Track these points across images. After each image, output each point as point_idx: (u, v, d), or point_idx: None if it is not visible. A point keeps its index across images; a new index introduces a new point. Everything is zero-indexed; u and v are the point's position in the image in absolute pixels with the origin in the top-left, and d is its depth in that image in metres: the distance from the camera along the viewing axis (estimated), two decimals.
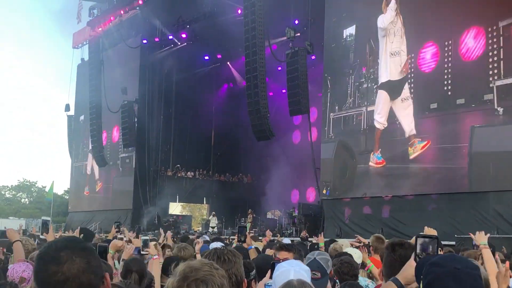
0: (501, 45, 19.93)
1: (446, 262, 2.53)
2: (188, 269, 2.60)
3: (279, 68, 32.30)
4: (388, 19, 24.60)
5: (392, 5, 24.42)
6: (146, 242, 6.34)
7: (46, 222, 7.98)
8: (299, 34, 28.45)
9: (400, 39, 23.91)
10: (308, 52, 26.86)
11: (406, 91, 23.17)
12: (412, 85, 22.97)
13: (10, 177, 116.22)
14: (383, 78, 24.43)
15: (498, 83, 19.78)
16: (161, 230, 13.23)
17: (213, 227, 32.11)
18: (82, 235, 8.04)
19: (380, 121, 24.13)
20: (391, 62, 24.09)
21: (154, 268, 5.65)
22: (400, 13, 24.01)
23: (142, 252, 6.43)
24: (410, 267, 2.77)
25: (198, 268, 2.61)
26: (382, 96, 24.29)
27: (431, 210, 21.02)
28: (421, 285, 2.54)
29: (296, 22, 30.30)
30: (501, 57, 19.84)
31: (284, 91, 29.54)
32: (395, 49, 24.01)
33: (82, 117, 43.57)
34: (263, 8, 25.60)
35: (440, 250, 2.81)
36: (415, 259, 2.77)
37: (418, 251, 2.77)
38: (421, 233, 2.80)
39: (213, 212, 33.88)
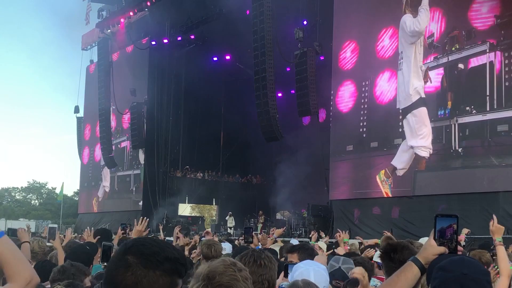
0: None
1: (453, 266, 2.51)
2: (212, 274, 2.53)
3: (288, 69, 32.30)
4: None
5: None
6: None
7: (53, 229, 8.00)
8: (306, 35, 28.39)
9: None
10: (316, 53, 26.83)
11: None
12: None
13: (20, 178, 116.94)
14: None
15: None
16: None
17: (230, 227, 32.09)
18: (98, 237, 7.98)
19: None
20: None
21: None
22: None
23: None
24: (430, 246, 2.71)
25: (221, 272, 2.54)
26: None
27: (441, 211, 20.95)
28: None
29: (305, 22, 30.26)
30: None
31: (293, 91, 29.53)
32: None
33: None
34: (272, 9, 25.61)
35: (458, 236, 2.74)
36: (434, 239, 2.72)
37: (436, 236, 2.72)
38: (440, 213, 2.73)
39: (230, 212, 33.76)
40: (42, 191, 75.96)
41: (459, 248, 2.71)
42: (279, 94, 32.04)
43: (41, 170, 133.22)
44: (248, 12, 29.57)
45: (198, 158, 38.78)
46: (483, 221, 18.76)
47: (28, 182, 76.00)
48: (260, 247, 7.68)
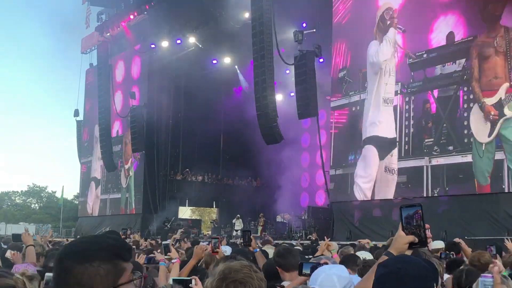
0: None
1: (391, 262, 2.57)
2: (228, 270, 2.66)
3: (287, 71, 32.29)
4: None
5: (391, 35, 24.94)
6: (168, 247, 6.50)
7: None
8: (306, 38, 28.36)
9: None
10: (316, 55, 26.81)
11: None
12: None
13: (20, 182, 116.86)
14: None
15: None
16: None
17: (237, 230, 31.99)
18: None
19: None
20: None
21: (174, 271, 5.76)
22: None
23: (165, 257, 6.56)
24: (399, 237, 2.78)
25: (237, 269, 2.66)
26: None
27: (441, 212, 20.93)
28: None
29: (304, 25, 30.28)
30: None
31: (292, 94, 29.52)
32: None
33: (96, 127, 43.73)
34: (271, 11, 25.60)
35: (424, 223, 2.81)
36: (403, 230, 2.78)
37: (404, 223, 2.79)
38: (404, 204, 2.80)
39: (238, 215, 33.59)
40: (42, 195, 75.97)
41: (428, 235, 2.76)
42: (279, 96, 32.05)
43: (41, 174, 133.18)
44: (247, 14, 29.62)
45: (198, 161, 38.78)
46: (484, 224, 18.81)
47: (28, 186, 76.09)
48: (258, 250, 7.65)
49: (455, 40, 22.18)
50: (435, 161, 22.13)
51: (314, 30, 28.91)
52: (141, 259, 6.36)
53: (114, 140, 39.20)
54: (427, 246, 2.80)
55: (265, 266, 5.65)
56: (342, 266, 4.16)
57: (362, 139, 25.43)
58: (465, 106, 21.40)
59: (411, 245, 2.76)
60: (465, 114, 21.28)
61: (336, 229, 24.95)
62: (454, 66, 22.12)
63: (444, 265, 6.08)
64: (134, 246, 11.97)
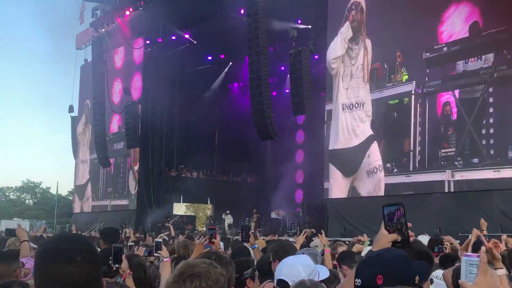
0: None
1: (374, 252, 2.68)
2: (185, 266, 2.72)
3: (282, 68, 32.33)
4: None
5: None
6: (159, 245, 6.47)
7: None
8: (301, 34, 28.37)
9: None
10: (311, 52, 26.82)
11: None
12: None
13: (14, 178, 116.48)
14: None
15: None
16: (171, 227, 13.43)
17: (229, 225, 32.16)
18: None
19: None
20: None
21: (165, 269, 5.75)
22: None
23: (155, 254, 6.54)
24: (382, 235, 2.82)
25: (194, 264, 2.72)
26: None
27: (436, 209, 20.99)
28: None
29: (299, 21, 30.30)
30: None
31: (287, 90, 29.55)
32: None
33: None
34: (266, 8, 25.61)
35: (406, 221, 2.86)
36: (385, 228, 2.82)
37: (386, 221, 2.83)
38: (386, 203, 2.85)
39: (227, 211, 33.79)
40: (37, 190, 75.75)
41: (410, 233, 2.80)
42: (274, 93, 32.08)
43: (35, 170, 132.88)
44: (242, 11, 29.61)
45: (193, 157, 38.74)
46: (478, 220, 18.85)
47: (23, 181, 75.80)
48: (256, 246, 7.69)
49: (482, 31, 20.48)
50: (459, 176, 20.96)
51: (310, 26, 28.90)
52: (140, 251, 6.35)
53: (116, 136, 39.25)
54: (409, 245, 2.83)
55: (258, 262, 5.67)
56: (306, 256, 4.24)
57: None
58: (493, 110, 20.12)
59: (394, 243, 2.78)
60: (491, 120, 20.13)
61: (330, 225, 24.99)
62: (480, 62, 20.46)
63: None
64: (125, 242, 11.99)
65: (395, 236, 2.77)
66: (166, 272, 5.67)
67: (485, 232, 9.47)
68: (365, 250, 7.01)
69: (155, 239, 7.18)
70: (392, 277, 2.50)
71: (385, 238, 2.80)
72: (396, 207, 2.81)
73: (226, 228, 31.41)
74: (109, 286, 3.70)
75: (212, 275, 2.67)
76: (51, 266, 2.13)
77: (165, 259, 5.98)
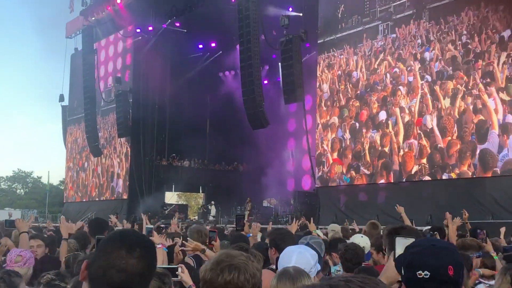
0: None
1: (422, 242, 2.59)
2: (224, 255, 2.73)
3: (274, 56, 32.24)
4: None
5: None
6: (150, 231, 6.45)
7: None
8: (292, 22, 28.25)
9: None
10: (302, 40, 26.77)
11: None
12: None
13: (5, 168, 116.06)
14: None
15: None
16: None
17: (214, 216, 32.20)
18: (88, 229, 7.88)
19: None
20: None
21: (158, 256, 5.71)
22: None
23: None
24: (391, 267, 2.75)
25: (234, 256, 2.72)
26: None
27: (427, 196, 21.08)
28: (402, 273, 2.54)
29: (290, 9, 30.20)
30: None
31: (279, 79, 29.49)
32: None
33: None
34: None
35: None
36: (394, 260, 2.75)
37: (397, 252, 2.75)
38: (400, 235, 2.78)
39: (212, 202, 33.90)
40: (28, 180, 75.51)
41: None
42: (265, 81, 32.03)
43: (26, 159, 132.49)
44: None
45: (185, 146, 38.68)
46: (469, 207, 18.94)
47: (13, 171, 75.51)
48: (250, 235, 7.70)
49: None
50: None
51: (301, 14, 28.83)
52: None
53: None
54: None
55: (253, 247, 5.67)
56: (307, 246, 4.23)
57: None
58: None
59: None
60: None
61: (322, 213, 25.06)
62: None
63: None
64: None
65: None
66: (159, 258, 5.64)
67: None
68: (354, 238, 7.03)
69: (146, 226, 7.10)
70: (459, 267, 2.47)
71: (393, 270, 2.73)
72: (410, 241, 2.73)
73: (211, 218, 31.54)
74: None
75: (249, 268, 2.67)
76: (116, 254, 2.21)
77: (157, 246, 5.96)
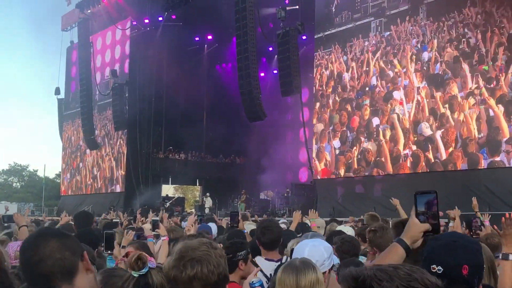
0: None
1: (445, 236, 2.60)
2: (185, 249, 2.63)
3: (271, 49, 32.21)
4: None
5: None
6: (156, 223, 6.48)
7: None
8: (289, 15, 28.15)
9: None
10: (299, 32, 26.75)
11: None
12: None
13: (1, 161, 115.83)
14: None
15: None
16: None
17: (209, 208, 32.18)
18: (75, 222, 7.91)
19: None
20: None
21: (163, 248, 5.76)
22: None
23: (153, 233, 6.55)
24: (414, 224, 2.71)
25: (195, 247, 2.64)
26: None
27: (423, 188, 21.09)
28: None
29: (287, 2, 30.15)
30: None
31: (275, 71, 29.46)
32: None
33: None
34: None
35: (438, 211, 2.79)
36: (416, 217, 2.73)
37: (418, 210, 2.73)
38: (420, 190, 2.76)
39: (207, 194, 33.92)
40: (24, 173, 75.37)
41: (441, 222, 2.74)
42: (262, 74, 31.98)
43: (22, 153, 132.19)
44: None
45: (181, 139, 38.64)
46: (466, 199, 18.97)
47: (9, 164, 75.37)
48: (246, 231, 7.67)
49: None
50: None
51: (297, 6, 28.77)
52: (129, 235, 6.33)
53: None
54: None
55: (250, 243, 5.67)
56: (320, 239, 4.24)
57: None
58: None
59: (425, 233, 2.71)
60: None
61: (319, 205, 25.08)
62: None
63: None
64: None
65: (427, 226, 2.68)
66: (164, 251, 5.67)
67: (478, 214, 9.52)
68: (343, 228, 7.06)
69: (152, 218, 7.14)
70: (475, 268, 2.45)
71: (416, 228, 2.70)
72: (430, 196, 2.71)
73: (207, 211, 31.49)
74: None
75: (212, 258, 2.62)
76: None
77: (162, 238, 5.98)
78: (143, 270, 2.52)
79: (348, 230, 7.22)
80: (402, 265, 1.46)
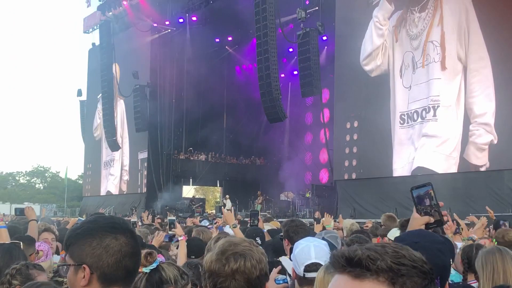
0: None
1: (408, 237, 2.55)
2: (228, 244, 2.65)
3: (291, 50, 32.16)
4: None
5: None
6: (173, 223, 6.45)
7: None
8: (309, 15, 28.08)
9: None
10: (319, 33, 26.68)
11: None
12: None
13: (24, 162, 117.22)
14: None
15: None
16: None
17: (229, 209, 32.21)
18: None
19: None
20: None
21: (181, 247, 5.75)
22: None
23: (169, 232, 6.53)
24: (415, 219, 2.75)
25: (237, 243, 2.67)
26: None
27: (446, 189, 20.92)
28: None
29: (307, 2, 30.09)
30: None
31: (296, 72, 29.41)
32: None
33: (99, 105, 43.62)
34: None
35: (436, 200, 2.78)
36: (417, 211, 2.76)
37: (416, 204, 2.76)
38: (415, 185, 2.77)
39: (227, 195, 34.00)
40: (46, 175, 76.22)
41: (443, 212, 2.76)
42: (282, 75, 31.94)
43: (45, 154, 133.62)
44: None
45: (202, 140, 38.79)
46: (489, 200, 18.81)
47: (33, 166, 76.37)
48: (265, 230, 7.67)
49: None
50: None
51: (317, 8, 28.71)
52: (160, 236, 6.33)
53: None
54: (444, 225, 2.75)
55: (269, 242, 5.66)
56: (323, 241, 4.19)
57: None
58: None
59: (428, 225, 2.72)
60: None
61: (340, 207, 24.98)
62: None
63: None
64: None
65: (427, 219, 2.71)
66: (182, 251, 5.67)
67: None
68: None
69: (168, 218, 7.14)
70: (435, 269, 2.42)
71: (417, 222, 2.73)
72: (425, 190, 2.74)
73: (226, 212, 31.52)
74: None
75: (255, 254, 2.63)
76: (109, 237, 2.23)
77: (179, 238, 5.97)
78: (153, 265, 2.57)
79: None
80: (387, 244, 1.48)
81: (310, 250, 3.65)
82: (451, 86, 21.68)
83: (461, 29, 21.44)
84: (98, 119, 43.83)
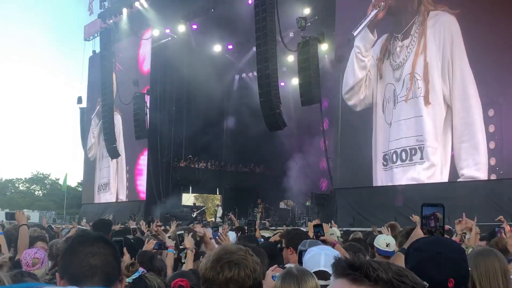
0: None
1: (428, 246, 2.53)
2: (223, 252, 2.69)
3: (291, 58, 32.21)
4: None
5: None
6: (182, 236, 6.42)
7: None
8: (309, 24, 28.12)
9: None
10: (319, 42, 26.70)
11: None
12: None
13: (23, 169, 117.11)
14: None
15: None
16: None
17: (220, 217, 32.45)
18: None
19: None
20: None
21: (189, 259, 5.75)
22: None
23: (180, 246, 6.50)
24: (417, 235, 2.75)
25: (233, 251, 2.69)
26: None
27: (444, 198, 20.87)
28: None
29: (308, 11, 30.14)
30: None
31: (295, 81, 29.39)
32: None
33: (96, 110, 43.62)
34: None
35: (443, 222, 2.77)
36: (421, 228, 2.75)
37: (423, 221, 2.75)
38: (426, 202, 2.75)
39: (219, 203, 34.32)
40: (46, 182, 76.15)
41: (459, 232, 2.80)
42: (282, 83, 31.95)
43: (44, 161, 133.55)
44: (250, 0, 29.48)
45: (201, 148, 38.81)
46: (488, 209, 18.76)
47: (32, 173, 76.25)
48: (262, 240, 7.68)
49: None
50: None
51: (316, 17, 28.78)
52: (150, 244, 6.31)
53: None
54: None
55: (263, 245, 5.68)
56: (335, 250, 4.21)
57: None
58: None
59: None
60: None
61: (339, 215, 24.92)
62: None
63: None
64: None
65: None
66: (190, 262, 5.67)
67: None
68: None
69: (177, 232, 7.07)
70: (461, 280, 2.41)
71: (420, 235, 2.73)
72: (433, 211, 2.73)
73: (218, 220, 31.80)
74: None
75: (249, 263, 2.66)
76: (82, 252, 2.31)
77: (189, 250, 5.93)
78: (135, 274, 2.66)
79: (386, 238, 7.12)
80: (393, 263, 1.48)
81: (320, 258, 3.69)
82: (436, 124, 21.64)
83: (445, 59, 21.15)
84: (93, 138, 43.88)
